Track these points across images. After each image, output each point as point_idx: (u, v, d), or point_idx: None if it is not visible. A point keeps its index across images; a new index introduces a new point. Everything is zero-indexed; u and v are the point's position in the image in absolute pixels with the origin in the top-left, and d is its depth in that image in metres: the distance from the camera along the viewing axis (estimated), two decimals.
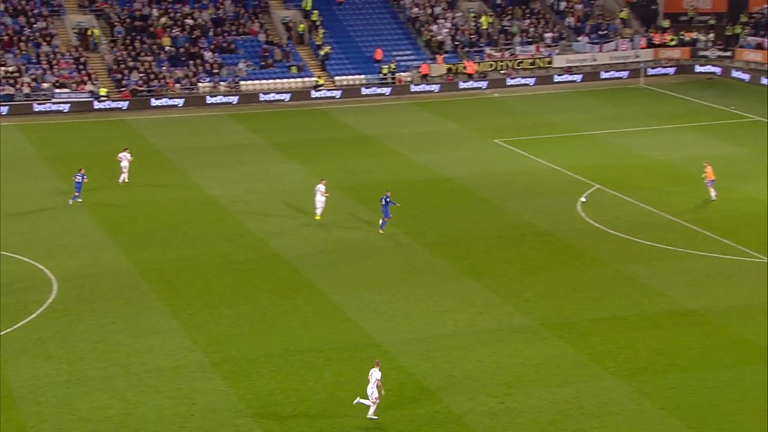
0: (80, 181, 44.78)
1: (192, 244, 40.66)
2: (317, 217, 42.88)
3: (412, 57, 71.27)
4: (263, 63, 68.92)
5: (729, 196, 45.09)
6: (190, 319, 33.62)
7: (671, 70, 71.82)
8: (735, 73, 69.68)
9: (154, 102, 65.29)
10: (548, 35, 73.28)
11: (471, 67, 69.88)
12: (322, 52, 70.40)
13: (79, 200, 44.78)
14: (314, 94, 67.51)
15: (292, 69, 68.96)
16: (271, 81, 68.37)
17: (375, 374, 26.91)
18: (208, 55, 68.62)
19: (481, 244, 40.17)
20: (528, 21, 74.44)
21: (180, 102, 65.75)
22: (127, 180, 48.08)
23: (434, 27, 73.06)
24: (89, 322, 33.09)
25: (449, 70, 69.97)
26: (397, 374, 29.65)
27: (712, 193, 44.39)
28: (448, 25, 73.42)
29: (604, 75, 71.12)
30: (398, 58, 70.71)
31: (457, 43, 72.20)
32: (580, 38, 73.09)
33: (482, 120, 60.80)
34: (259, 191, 47.86)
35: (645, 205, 44.25)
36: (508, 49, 72.06)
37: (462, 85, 69.24)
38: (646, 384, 28.68)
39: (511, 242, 40.23)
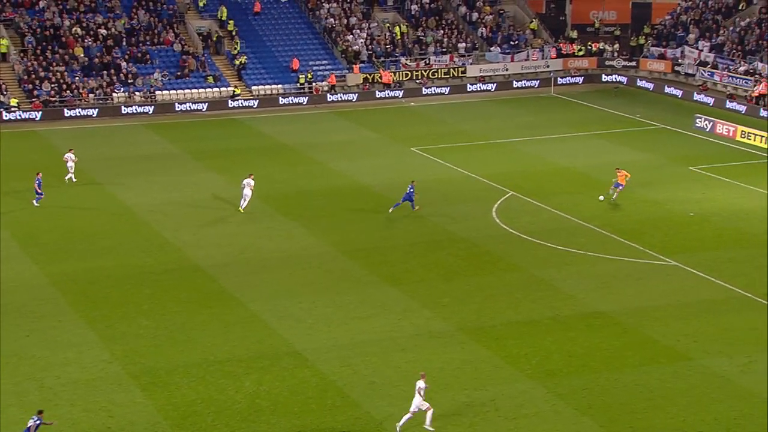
0: (38, 184, 45.32)
1: (108, 255, 39.90)
2: (240, 209, 44.06)
3: (328, 66, 71.31)
4: (179, 73, 68.10)
5: (635, 201, 46.20)
6: (106, 331, 32.98)
7: (580, 80, 73.32)
8: (640, 83, 71.48)
9: (67, 113, 63.86)
10: (461, 45, 74.13)
11: (387, 76, 70.26)
12: (238, 62, 69.90)
13: (36, 204, 45.34)
14: (231, 103, 66.96)
15: (209, 79, 68.30)
16: (187, 91, 67.58)
17: (421, 385, 26.41)
18: (122, 65, 67.48)
19: (399, 251, 40.35)
20: (442, 31, 75.17)
21: (94, 112, 64.45)
22: (74, 179, 48.82)
23: (350, 37, 73.24)
24: (2, 335, 32.18)
25: (365, 79, 70.22)
26: (318, 381, 29.58)
27: (610, 191, 45.55)
28: (364, 35, 73.69)
29: (516, 84, 72.22)
30: (315, 67, 70.66)
31: (372, 53, 72.51)
32: (492, 48, 74.12)
33: (399, 128, 61.13)
34: (176, 201, 47.23)
35: (557, 210, 45.04)
36: (422, 59, 72.66)
37: (378, 94, 69.51)
38: (559, 385, 29.16)
39: (429, 249, 40.52)
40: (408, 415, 26.57)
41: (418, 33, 74.84)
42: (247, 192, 44.24)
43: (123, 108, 64.98)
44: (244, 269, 38.50)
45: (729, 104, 64.18)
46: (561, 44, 75.15)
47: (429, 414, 26.50)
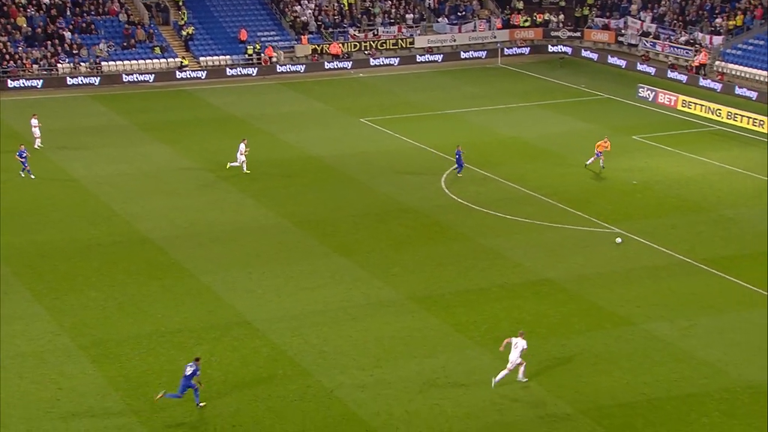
0: (24, 156, 44.64)
1: (56, 228, 39.24)
2: (247, 171, 45.32)
3: (277, 37, 70.59)
4: (125, 44, 66.89)
5: (579, 171, 46.60)
6: (54, 303, 32.50)
7: (526, 50, 73.54)
8: (584, 53, 71.91)
9: (11, 83, 62.47)
10: (409, 16, 73.84)
11: (336, 47, 69.77)
12: (185, 33, 68.85)
13: (31, 175, 44.78)
14: (179, 74, 66.02)
15: (156, 50, 67.19)
16: (134, 62, 66.44)
17: (521, 343, 27.17)
18: (66, 35, 66.08)
19: (349, 221, 40.27)
20: (389, 2, 74.76)
21: (39, 83, 63.14)
22: (41, 145, 49.15)
23: (298, 8, 72.52)
24: None
25: (314, 50, 69.66)
26: (269, 351, 29.50)
27: (590, 160, 46.13)
28: (312, 6, 73.00)
29: (463, 55, 72.22)
30: (263, 38, 69.89)
31: (321, 24, 71.91)
32: (439, 19, 73.96)
33: (348, 99, 60.83)
34: (124, 173, 46.56)
35: (505, 180, 45.26)
36: (371, 30, 72.26)
37: (327, 65, 69.04)
38: (507, 352, 29.39)
39: (379, 219, 40.49)
40: (504, 371, 27.18)
41: (366, 4, 74.36)
42: (239, 157, 45.41)
43: (68, 79, 63.75)
44: (193, 241, 38.14)
45: (670, 74, 64.90)
46: (507, 15, 75.19)
47: (522, 368, 27.40)
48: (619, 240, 32.06)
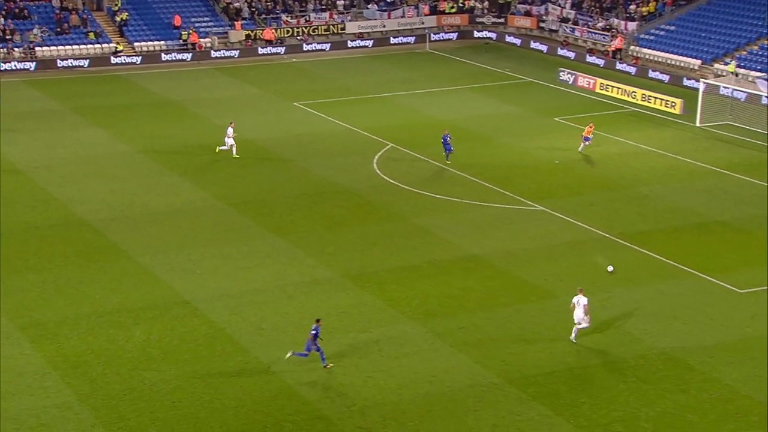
0: None
1: None
2: (235, 156, 44.69)
3: (210, 23, 69.60)
4: (59, 29, 65.27)
5: (505, 151, 47.08)
6: None
7: (453, 36, 73.80)
8: (508, 38, 72.45)
9: None
10: (340, 3, 73.45)
11: (269, 33, 69.09)
12: (119, 18, 67.47)
13: None
14: (114, 60, 64.71)
15: (90, 35, 65.71)
16: (68, 47, 64.89)
17: (582, 300, 28.27)
18: None
19: (284, 202, 40.08)
20: None
21: None
22: None
23: None
24: None
25: (248, 36, 68.90)
26: (207, 329, 29.29)
27: (581, 146, 46.22)
28: None
29: (393, 40, 72.16)
30: (197, 24, 68.86)
31: (254, 9, 71.10)
32: (369, 6, 73.74)
33: (282, 84, 60.37)
34: (61, 157, 45.57)
35: (434, 161, 45.49)
36: (303, 16, 71.73)
37: (261, 50, 68.37)
38: (437, 325, 29.70)
39: (313, 200, 40.38)
40: (575, 329, 28.50)
41: None
42: (227, 140, 44.96)
43: (2, 64, 61.99)
44: (131, 223, 37.57)
45: (589, 58, 65.81)
46: (435, 2, 75.28)
47: (576, 329, 28.51)
48: (610, 268, 32.17)
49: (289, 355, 27.04)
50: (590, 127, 46.54)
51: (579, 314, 28.51)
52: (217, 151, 45.13)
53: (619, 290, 32.12)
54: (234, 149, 45.01)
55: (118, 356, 27.66)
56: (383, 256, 34.76)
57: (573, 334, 28.72)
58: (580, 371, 27.19)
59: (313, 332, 26.72)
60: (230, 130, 45.12)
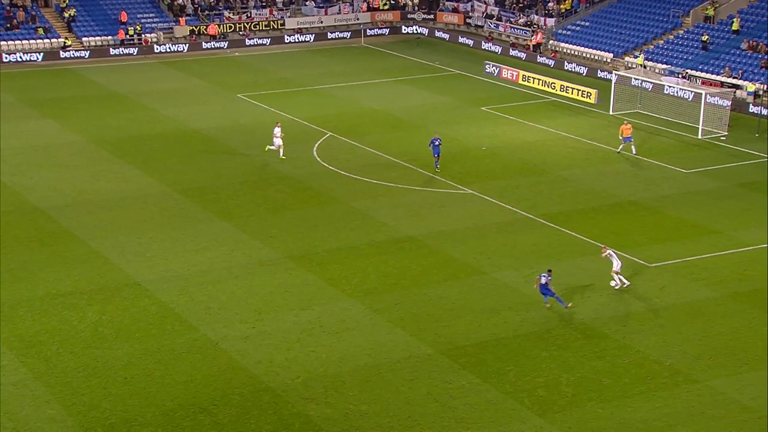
0: None
1: None
2: (282, 157, 42.42)
3: (156, 19, 68.23)
4: (8, 25, 63.30)
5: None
6: None
7: (386, 31, 73.62)
8: (437, 33, 72.54)
9: None
10: (279, 0, 72.69)
11: (213, 28, 68.06)
12: (67, 14, 65.70)
13: None
14: (63, 54, 63.05)
15: (39, 30, 63.90)
16: (17, 41, 62.99)
17: (610, 252, 30.40)
18: None
19: (229, 188, 39.62)
20: None
21: None
22: None
23: None
24: None
25: (192, 31, 67.75)
26: (157, 309, 28.86)
27: (620, 147, 44.28)
28: None
29: (330, 36, 71.69)
30: (143, 20, 67.45)
31: (197, 6, 69.92)
32: (307, 3, 73.11)
33: (226, 77, 59.56)
34: (13, 147, 44.31)
35: (370, 148, 45.41)
36: (244, 12, 70.80)
37: (205, 45, 67.31)
38: (376, 302, 29.74)
39: (257, 186, 40.00)
40: (615, 279, 30.24)
41: None
42: (276, 141, 42.28)
43: None
44: (82, 209, 36.76)
45: (512, 52, 66.30)
46: None
47: (616, 275, 30.48)
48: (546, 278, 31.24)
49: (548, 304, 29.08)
50: (626, 126, 44.56)
51: (615, 266, 30.39)
52: (266, 150, 42.73)
53: (542, 266, 32.49)
54: (281, 150, 42.31)
55: (72, 336, 27.10)
56: (324, 238, 34.64)
57: (617, 284, 30.50)
58: (506, 341, 27.51)
59: (544, 281, 29.02)
60: (278, 130, 42.49)
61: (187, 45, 66.57)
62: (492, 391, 24.93)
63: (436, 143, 41.63)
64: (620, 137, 44.84)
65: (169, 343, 26.90)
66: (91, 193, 38.62)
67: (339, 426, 23.32)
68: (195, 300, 29.54)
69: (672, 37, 61.68)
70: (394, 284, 31.08)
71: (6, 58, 61.25)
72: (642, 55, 60.08)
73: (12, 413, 23.31)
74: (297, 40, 70.15)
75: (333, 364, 26.04)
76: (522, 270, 32.15)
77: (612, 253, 30.80)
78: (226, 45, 67.85)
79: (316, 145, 45.83)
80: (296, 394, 24.59)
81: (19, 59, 61.64)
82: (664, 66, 57.97)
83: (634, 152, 44.60)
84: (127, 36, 65.44)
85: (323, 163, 43.23)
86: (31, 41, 63.36)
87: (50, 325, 27.70)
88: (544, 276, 29.20)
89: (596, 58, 63.28)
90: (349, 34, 72.13)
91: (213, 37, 67.88)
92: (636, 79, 53.89)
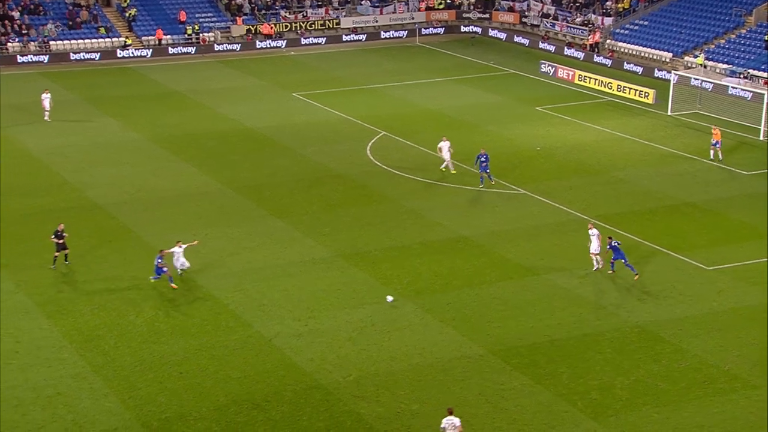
0: None
1: (11, 196, 38.07)
2: (442, 169, 40.21)
3: (214, 19, 69.15)
4: (71, 23, 64.77)
5: (490, 138, 46.95)
6: (12, 264, 31.63)
7: (441, 30, 73.46)
8: (492, 33, 72.15)
9: None
10: None
11: (266, 28, 68.71)
12: (128, 14, 66.95)
13: None
14: (123, 53, 64.26)
15: (101, 30, 65.25)
16: (80, 41, 64.43)
17: (593, 233, 31.19)
18: (15, 15, 63.67)
19: (283, 187, 39.95)
20: None
21: None
22: (48, 120, 47.01)
23: None
24: None
25: (248, 30, 68.49)
26: (212, 305, 29.24)
27: (712, 153, 43.04)
28: None
29: (384, 35, 71.80)
30: (201, 19, 68.42)
31: (254, 5, 70.65)
32: (363, 2, 73.35)
33: (281, 76, 60.06)
34: (74, 144, 45.33)
35: (423, 148, 45.36)
36: (300, 11, 71.30)
37: (260, 44, 67.98)
38: (427, 301, 29.70)
39: (311, 184, 40.26)
40: (595, 263, 30.83)
41: None
42: (446, 155, 40.31)
43: (19, 57, 61.56)
44: (140, 206, 37.42)
45: (568, 51, 65.60)
46: None
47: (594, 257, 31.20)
48: (390, 298, 28.98)
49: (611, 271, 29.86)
50: (714, 130, 43.43)
51: (593, 248, 30.96)
52: (443, 169, 40.74)
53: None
54: (451, 165, 40.51)
55: (129, 330, 27.61)
56: (376, 237, 34.71)
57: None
58: (559, 343, 27.24)
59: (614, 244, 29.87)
60: (446, 144, 40.39)
61: (244, 44, 67.33)
62: (544, 393, 24.71)
63: (482, 159, 38.85)
64: (712, 142, 43.26)
65: (223, 339, 27.24)
66: (149, 190, 39.29)
67: (390, 425, 23.35)
68: (249, 297, 29.85)
69: (734, 36, 60.35)
70: (446, 284, 31.00)
71: (72, 57, 62.65)
72: (702, 54, 58.92)
73: (71, 405, 23.85)
74: (352, 39, 70.42)
75: (384, 363, 26.07)
76: (575, 271, 31.80)
77: (595, 233, 31.07)
78: (282, 44, 68.43)
79: (370, 144, 45.94)
80: (348, 392, 24.69)
81: (81, 58, 63.01)
82: (725, 66, 56.75)
83: (720, 157, 43.02)
84: (186, 35, 66.45)
85: (376, 162, 43.31)
86: (93, 40, 64.72)
87: (108, 319, 28.26)
88: (615, 242, 29.40)
89: (655, 57, 62.27)
90: (404, 33, 72.14)
91: (268, 37, 68.50)
92: (696, 79, 52.88)
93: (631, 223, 36.14)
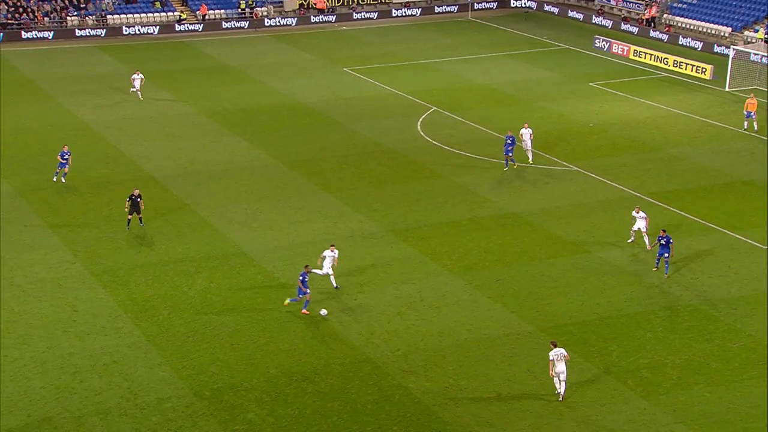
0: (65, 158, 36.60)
1: (69, 167, 38.73)
2: (530, 161, 38.47)
3: None
4: None
5: (542, 115, 46.37)
6: (69, 235, 32.29)
7: (494, 5, 72.52)
8: (546, 7, 71.02)
9: (24, 35, 61.14)
10: None
11: (321, 2, 68.53)
12: None
13: (63, 179, 36.67)
14: (178, 27, 64.78)
15: (156, 4, 65.79)
16: (136, 15, 65.09)
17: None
18: None
19: (334, 161, 40.01)
20: None
21: (50, 35, 61.85)
22: (141, 98, 47.51)
23: None
24: None
25: (301, 5, 68.43)
26: (263, 278, 29.51)
27: (746, 124, 42.69)
28: None
29: (437, 9, 71.16)
30: None
31: None
32: None
33: (332, 51, 59.98)
34: (130, 117, 45.93)
35: (474, 123, 45.00)
36: None
37: (313, 19, 67.92)
38: (476, 278, 29.57)
39: (361, 159, 40.25)
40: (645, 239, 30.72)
41: None
42: (527, 143, 38.55)
43: (77, 31, 62.44)
44: (193, 179, 37.83)
45: (623, 26, 64.32)
46: None
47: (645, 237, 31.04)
48: (323, 312, 26.85)
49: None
50: (751, 100, 42.68)
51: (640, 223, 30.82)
52: (530, 162, 38.78)
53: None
54: (530, 155, 38.77)
55: (182, 302, 28.02)
56: (426, 213, 34.61)
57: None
58: (610, 321, 26.93)
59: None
60: (527, 132, 38.69)
61: (296, 19, 67.34)
62: (594, 370, 24.49)
63: (508, 142, 37.67)
64: (744, 112, 42.77)
65: (273, 312, 27.49)
66: (202, 163, 39.69)
67: (438, 399, 23.38)
68: (299, 270, 29.96)
69: None
70: (496, 260, 30.82)
71: (126, 31, 63.38)
72: (763, 29, 57.24)
73: (126, 373, 24.34)
74: (404, 14, 69.92)
75: (433, 338, 26.07)
76: (627, 249, 31.35)
77: (643, 216, 30.69)
78: (333, 18, 68.27)
79: (421, 119, 45.72)
80: (396, 366, 24.77)
81: (137, 32, 63.70)
82: None
83: (754, 127, 42.52)
84: (239, 10, 66.68)
85: (427, 137, 43.11)
86: (149, 14, 65.32)
87: (162, 290, 28.71)
88: (664, 238, 28.71)
89: (713, 32, 60.71)
90: (456, 8, 71.41)
91: (321, 11, 68.38)
92: (756, 54, 51.44)
93: (685, 200, 35.47)
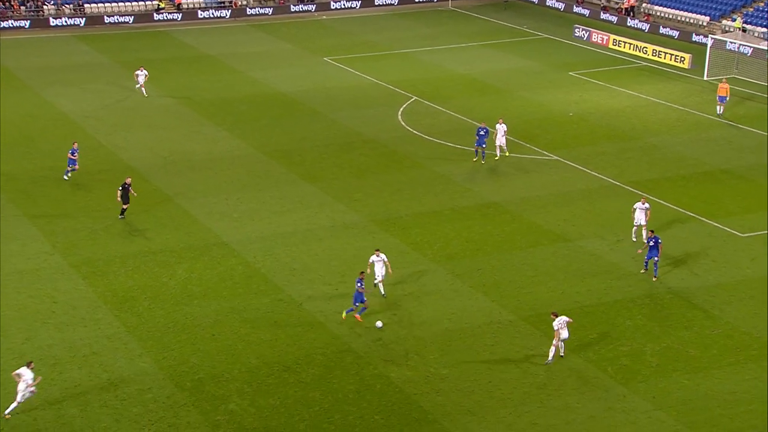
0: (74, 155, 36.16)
1: (46, 158, 38.43)
2: (506, 154, 38.21)
3: None
4: None
5: (522, 104, 46.44)
6: (47, 226, 32.03)
7: None
8: None
9: (1, 24, 60.40)
10: None
11: None
12: None
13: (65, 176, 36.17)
14: (156, 16, 64.23)
15: None
16: (114, 4, 64.45)
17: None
18: None
19: (314, 151, 39.90)
20: None
21: (26, 24, 61.13)
22: (145, 94, 46.26)
23: None
24: None
25: None
26: (244, 269, 29.41)
27: (719, 108, 43.11)
28: None
29: None
30: None
31: None
32: None
33: (312, 40, 59.73)
34: (108, 107, 45.55)
35: (454, 113, 45.00)
36: None
37: (293, 8, 67.56)
38: (457, 267, 29.62)
39: (342, 149, 40.16)
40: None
41: None
42: (500, 139, 37.94)
43: (52, 20, 61.77)
44: (173, 169, 37.60)
45: (603, 15, 64.48)
46: None
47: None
48: (379, 324, 26.06)
49: None
50: (723, 84, 43.01)
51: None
52: (506, 155, 38.69)
53: (628, 234, 31.80)
54: (499, 151, 38.33)
55: (163, 292, 27.89)
56: (407, 202, 34.61)
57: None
58: (590, 309, 27.09)
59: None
60: (501, 127, 38.09)
61: (275, 8, 66.96)
62: (574, 358, 24.62)
63: (481, 133, 37.62)
64: (717, 97, 43.07)
65: (255, 302, 27.42)
66: (181, 153, 39.45)
67: (419, 388, 23.43)
68: (280, 261, 29.98)
69: None
70: (477, 250, 30.89)
71: (106, 20, 62.76)
72: (740, 18, 57.59)
73: (106, 365, 24.20)
74: (384, 3, 69.72)
75: (414, 327, 26.11)
76: (607, 238, 31.51)
77: (646, 206, 30.74)
78: (313, 8, 67.94)
79: (401, 109, 45.66)
80: (377, 355, 24.79)
81: (115, 21, 63.09)
82: (764, 29, 55.43)
83: (719, 112, 42.70)
84: None
85: (408, 127, 43.07)
86: (127, 3, 64.72)
87: (142, 281, 28.56)
88: (652, 239, 28.59)
89: (691, 21, 61.01)
90: None
91: (301, 0, 68.03)
92: (733, 42, 51.77)
93: (663, 189, 35.68)
